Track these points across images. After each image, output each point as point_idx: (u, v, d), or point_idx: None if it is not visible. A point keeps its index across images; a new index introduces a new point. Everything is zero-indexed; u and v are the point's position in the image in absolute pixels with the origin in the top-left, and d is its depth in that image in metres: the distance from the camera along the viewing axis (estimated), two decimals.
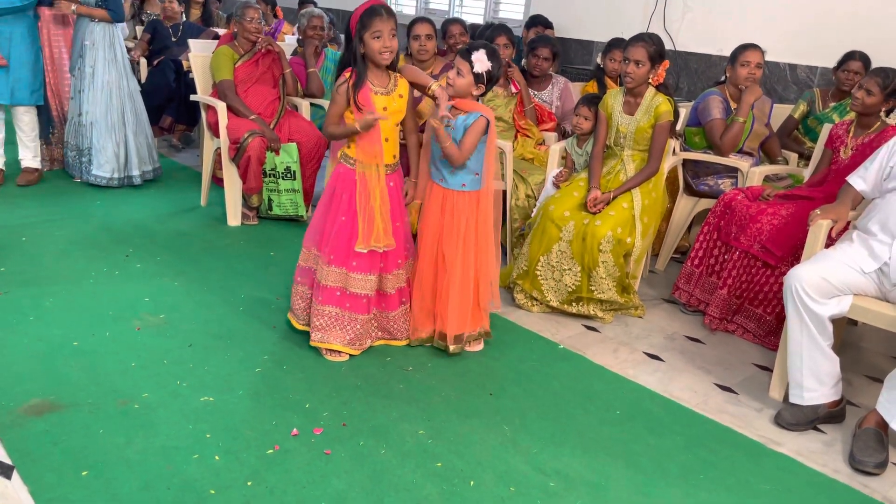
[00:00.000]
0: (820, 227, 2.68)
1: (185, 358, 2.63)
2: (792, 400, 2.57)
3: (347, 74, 2.58)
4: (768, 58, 4.44)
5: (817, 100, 3.88)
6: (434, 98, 2.69)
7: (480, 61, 2.55)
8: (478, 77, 2.59)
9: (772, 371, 2.90)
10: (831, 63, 4.38)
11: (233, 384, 2.48)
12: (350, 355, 2.70)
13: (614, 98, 3.35)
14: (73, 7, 4.40)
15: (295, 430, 2.25)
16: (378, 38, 2.51)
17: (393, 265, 2.73)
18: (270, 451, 2.15)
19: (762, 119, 3.81)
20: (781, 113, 4.11)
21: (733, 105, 3.72)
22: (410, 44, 3.94)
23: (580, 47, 5.72)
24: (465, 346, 2.80)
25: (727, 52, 4.81)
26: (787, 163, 3.93)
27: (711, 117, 3.66)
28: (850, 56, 3.81)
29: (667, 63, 3.21)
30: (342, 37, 4.92)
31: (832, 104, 3.81)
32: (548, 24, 5.47)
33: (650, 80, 3.22)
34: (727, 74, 3.70)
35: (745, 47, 3.64)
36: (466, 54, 2.58)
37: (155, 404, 2.33)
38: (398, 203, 2.73)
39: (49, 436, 2.13)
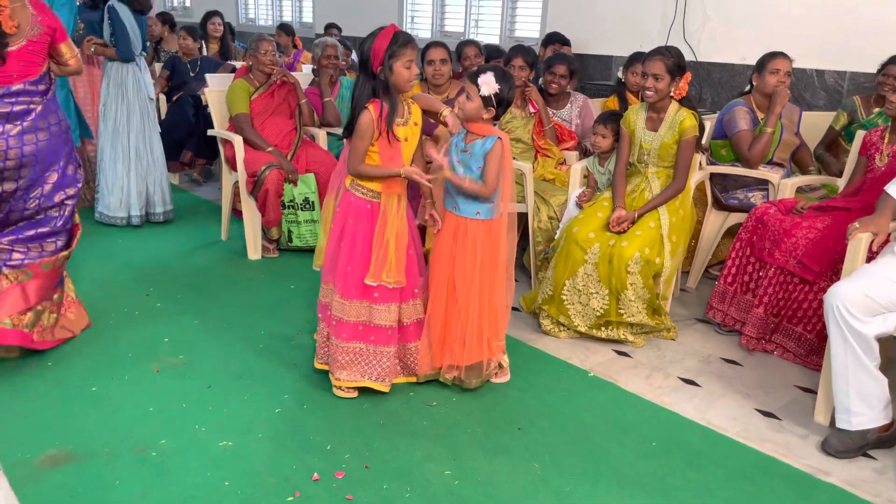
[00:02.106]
0: (859, 240, 2.54)
1: (204, 400, 2.57)
2: (839, 425, 2.43)
3: (373, 106, 2.47)
4: (795, 64, 4.32)
5: (859, 108, 3.73)
6: (446, 125, 2.62)
7: (487, 84, 2.47)
8: (486, 100, 2.51)
9: (815, 394, 2.76)
10: (861, 68, 4.25)
11: (252, 427, 2.41)
12: (357, 389, 2.62)
13: (636, 114, 3.25)
14: (93, 48, 4.45)
15: (316, 474, 2.17)
16: (408, 67, 2.46)
17: (409, 294, 2.65)
18: (291, 497, 2.06)
19: (791, 128, 3.69)
20: (811, 121, 3.97)
21: (760, 115, 3.60)
22: (425, 69, 3.89)
23: (599, 63, 5.63)
24: (488, 378, 2.70)
25: (750, 61, 4.71)
26: (819, 172, 3.79)
27: (738, 129, 3.54)
28: (891, 60, 3.65)
29: (688, 75, 3.11)
30: None
31: (876, 110, 3.66)
32: (565, 41, 5.41)
33: (672, 94, 3.12)
34: (753, 83, 3.58)
35: (773, 55, 3.52)
36: (474, 77, 2.51)
37: (172, 451, 2.26)
38: (412, 231, 2.65)
39: (65, 489, 2.07)
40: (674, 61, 3.07)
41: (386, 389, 2.61)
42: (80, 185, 2.89)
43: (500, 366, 2.76)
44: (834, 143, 3.85)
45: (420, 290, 2.69)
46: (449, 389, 2.69)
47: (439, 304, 2.66)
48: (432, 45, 3.92)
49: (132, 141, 4.50)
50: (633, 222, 3.11)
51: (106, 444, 2.28)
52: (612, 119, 3.41)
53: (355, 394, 2.61)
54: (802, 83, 4.49)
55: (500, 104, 2.53)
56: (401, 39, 2.44)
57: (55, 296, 2.87)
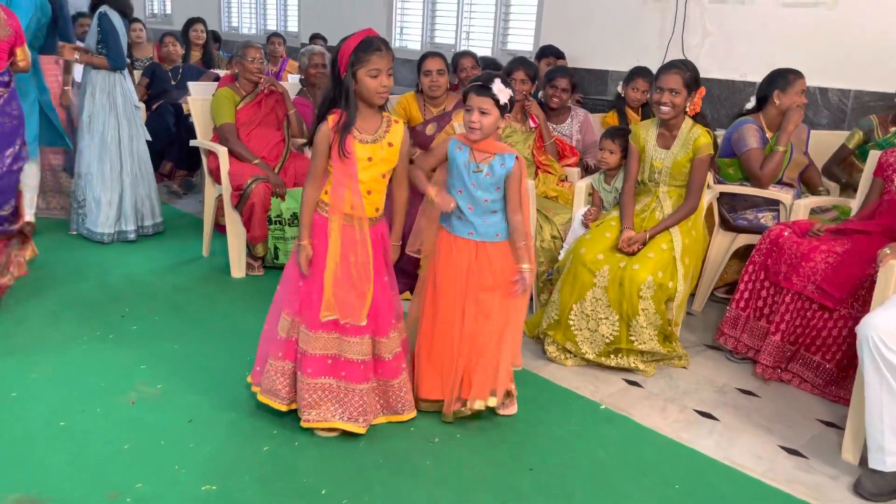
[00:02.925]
0: (891, 268, 2.40)
1: (184, 437, 2.34)
2: (872, 465, 2.26)
3: (334, 117, 2.25)
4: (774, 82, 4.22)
5: (876, 127, 3.61)
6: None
7: (502, 91, 2.31)
8: (502, 108, 2.35)
9: (839, 428, 2.61)
10: (866, 86, 4.15)
11: (238, 468, 2.19)
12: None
13: (646, 130, 3.09)
14: (77, 55, 4.21)
15: None
16: (375, 76, 2.20)
17: (387, 326, 2.40)
18: None
19: (800, 147, 3.55)
20: (815, 140, 3.82)
21: (769, 133, 3.47)
22: (421, 80, 3.72)
23: (594, 77, 5.50)
24: (498, 409, 2.52)
25: (751, 78, 4.63)
26: (829, 193, 3.66)
27: (748, 147, 3.40)
28: None
29: (703, 90, 2.96)
30: None
31: (893, 129, 3.54)
32: (559, 55, 5.27)
33: (686, 111, 2.97)
34: (776, 101, 3.41)
35: (797, 74, 3.39)
36: (484, 90, 2.31)
37: (150, 496, 2.04)
38: (383, 258, 2.41)
39: None
40: (690, 75, 2.92)
41: (362, 431, 2.36)
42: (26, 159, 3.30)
43: (509, 394, 2.57)
44: (846, 161, 3.72)
45: (398, 321, 2.46)
46: (452, 424, 2.49)
47: (447, 334, 2.46)
48: (429, 55, 3.75)
49: (123, 153, 4.27)
50: (645, 243, 2.94)
51: (75, 489, 2.05)
52: (619, 134, 3.26)
53: (336, 432, 2.38)
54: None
55: (511, 109, 2.39)
56: (367, 45, 2.19)
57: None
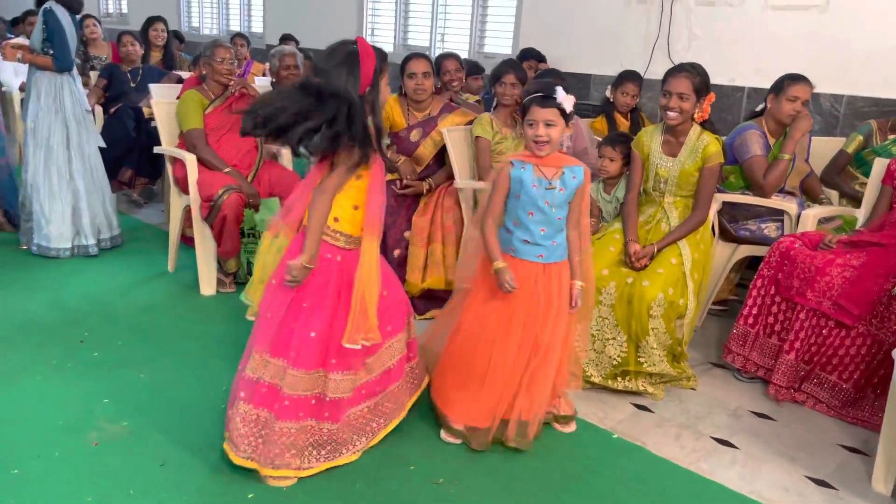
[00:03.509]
0: None
1: (156, 484, 2.07)
2: None
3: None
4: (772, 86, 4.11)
5: (875, 132, 3.49)
6: None
7: (567, 99, 2.18)
8: (568, 117, 2.21)
9: (863, 454, 2.47)
10: (858, 91, 4.05)
11: None
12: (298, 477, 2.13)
13: (650, 137, 2.92)
14: (20, 55, 3.86)
15: None
16: (388, 83, 2.12)
17: (384, 338, 2.23)
18: None
19: (802, 154, 3.43)
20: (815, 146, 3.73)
21: (772, 140, 3.32)
22: (405, 83, 3.50)
23: (576, 81, 5.32)
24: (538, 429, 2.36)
25: (740, 82, 4.51)
26: (830, 202, 3.53)
27: (751, 154, 3.24)
28: None
29: (712, 96, 2.80)
30: None
31: (892, 136, 3.43)
32: (541, 58, 5.10)
33: (695, 117, 2.80)
34: (767, 105, 3.30)
35: (793, 79, 3.23)
36: (548, 101, 2.18)
37: None
38: (384, 275, 2.24)
39: None
40: (700, 79, 2.75)
41: (355, 457, 2.20)
42: None
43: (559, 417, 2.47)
44: (841, 171, 3.60)
45: (395, 329, 2.29)
46: (455, 461, 2.26)
47: (519, 362, 2.29)
48: (413, 56, 3.53)
49: (74, 161, 3.92)
50: (653, 258, 2.76)
51: None
52: (620, 141, 3.08)
53: (293, 480, 2.11)
54: None
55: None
56: (381, 52, 2.09)
57: None
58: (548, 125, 2.18)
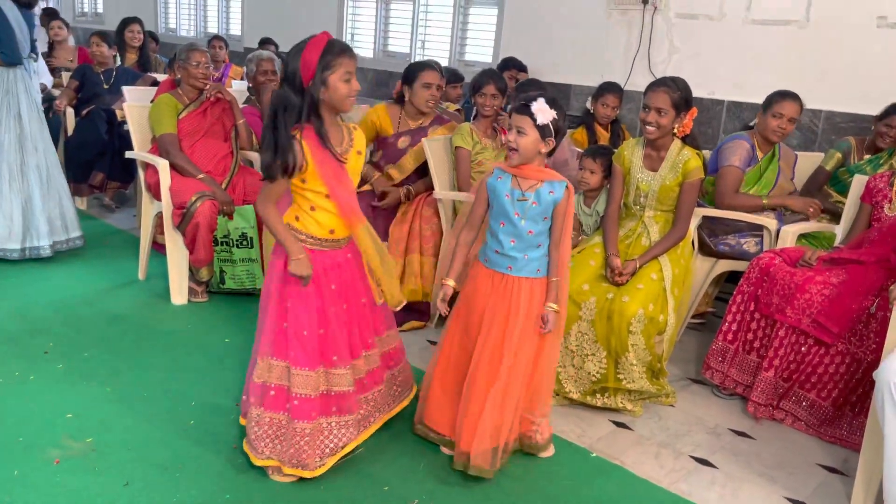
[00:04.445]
0: None
1: None
2: None
3: (303, 134, 2.04)
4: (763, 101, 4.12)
5: (853, 150, 3.50)
6: None
7: (543, 111, 2.11)
8: (543, 130, 2.13)
9: (841, 473, 2.46)
10: (837, 107, 4.07)
11: None
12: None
13: (631, 150, 2.89)
14: None
15: None
16: (348, 80, 2.06)
17: (361, 347, 2.25)
18: None
19: (788, 173, 3.43)
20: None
21: (759, 154, 3.32)
22: (418, 92, 3.39)
23: (556, 91, 5.29)
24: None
25: (720, 96, 4.52)
26: (808, 219, 3.53)
27: (728, 163, 3.24)
28: (894, 108, 3.36)
29: (695, 111, 2.78)
30: None
31: (867, 156, 3.44)
32: (522, 68, 5.08)
33: (675, 132, 2.78)
34: (757, 119, 3.30)
35: (781, 95, 3.24)
36: (522, 108, 2.13)
37: None
38: (361, 279, 2.26)
39: None
40: (680, 94, 2.73)
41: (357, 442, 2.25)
42: None
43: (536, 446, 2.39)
44: (821, 188, 3.61)
45: (374, 343, 2.29)
46: (430, 481, 2.20)
47: (483, 375, 2.21)
48: (427, 66, 3.43)
49: (27, 158, 3.77)
50: (634, 273, 2.73)
51: None
52: (601, 153, 3.06)
53: (294, 477, 2.14)
54: None
55: (557, 133, 2.17)
56: (337, 48, 2.04)
57: None
58: (519, 132, 2.14)
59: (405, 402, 2.47)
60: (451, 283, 2.28)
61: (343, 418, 2.18)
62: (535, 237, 2.21)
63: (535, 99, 2.12)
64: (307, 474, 2.10)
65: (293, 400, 2.09)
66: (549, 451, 2.42)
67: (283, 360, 2.12)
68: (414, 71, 3.42)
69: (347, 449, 2.20)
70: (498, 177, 2.22)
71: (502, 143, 3.51)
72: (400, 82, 3.55)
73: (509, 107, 2.27)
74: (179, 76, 3.62)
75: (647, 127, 2.76)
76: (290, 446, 2.09)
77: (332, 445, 2.16)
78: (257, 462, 2.12)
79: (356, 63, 2.11)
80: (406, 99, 3.47)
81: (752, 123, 3.40)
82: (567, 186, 2.20)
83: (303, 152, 2.03)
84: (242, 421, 2.27)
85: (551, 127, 2.13)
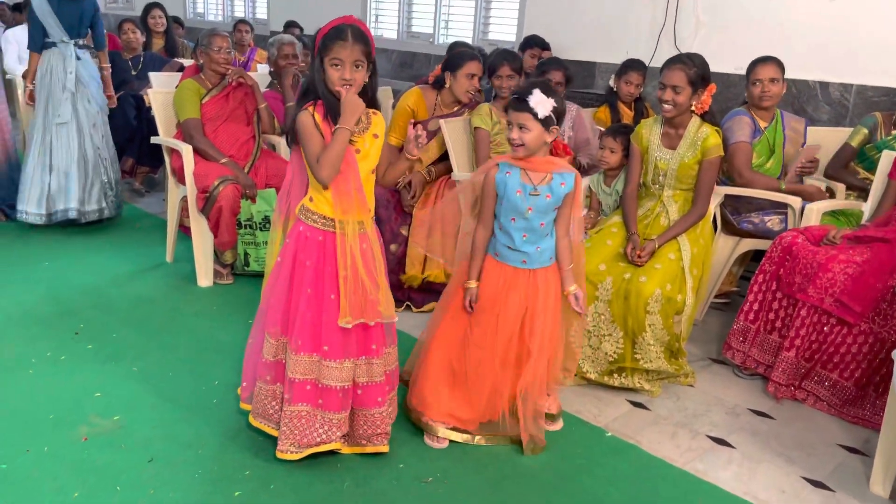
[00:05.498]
0: None
1: (143, 480, 2.06)
2: None
3: (314, 107, 2.06)
4: (796, 75, 4.01)
5: (880, 125, 3.41)
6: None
7: (541, 104, 2.09)
8: (546, 122, 2.11)
9: (862, 454, 2.42)
10: (868, 81, 3.96)
11: None
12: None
13: (650, 129, 2.86)
14: None
15: None
16: (335, 66, 2.01)
17: (364, 350, 2.15)
18: None
19: (797, 140, 3.38)
20: (814, 137, 3.63)
21: (762, 124, 3.28)
22: (460, 81, 3.36)
23: (581, 69, 5.25)
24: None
25: None
26: (833, 195, 3.46)
27: (736, 139, 3.20)
28: None
29: (713, 87, 2.73)
30: None
31: (894, 132, 3.35)
32: (545, 46, 5.01)
33: (693, 109, 2.74)
34: (746, 94, 3.29)
35: (755, 62, 3.28)
36: (520, 104, 2.11)
37: None
38: (375, 270, 2.16)
39: None
40: (696, 71, 2.69)
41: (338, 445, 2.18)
42: None
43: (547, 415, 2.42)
44: (847, 165, 3.52)
45: (381, 348, 2.18)
46: (444, 460, 2.24)
47: (491, 361, 2.26)
48: (474, 57, 3.40)
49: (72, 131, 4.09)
50: (653, 253, 2.71)
51: None
52: (621, 132, 3.03)
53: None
54: (805, 95, 4.19)
55: (559, 117, 2.15)
56: (334, 33, 2.00)
57: None
58: (521, 128, 2.12)
59: (369, 449, 2.25)
60: (474, 285, 2.27)
61: (328, 414, 2.13)
62: (545, 228, 2.21)
63: (530, 93, 2.09)
64: (273, 431, 2.18)
65: (288, 381, 2.12)
66: (559, 425, 2.45)
67: (285, 338, 2.16)
68: (459, 60, 3.36)
69: (328, 447, 2.15)
70: (506, 171, 2.18)
71: None
72: (440, 67, 3.53)
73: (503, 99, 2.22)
74: (202, 61, 3.67)
75: (664, 105, 2.73)
76: (284, 425, 2.11)
77: (309, 439, 2.12)
78: (275, 433, 2.18)
79: (357, 53, 2.00)
80: (447, 86, 3.44)
81: (746, 98, 3.36)
82: (576, 176, 2.19)
83: (315, 124, 2.03)
84: (243, 404, 2.35)
85: (553, 116, 2.11)
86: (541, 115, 2.09)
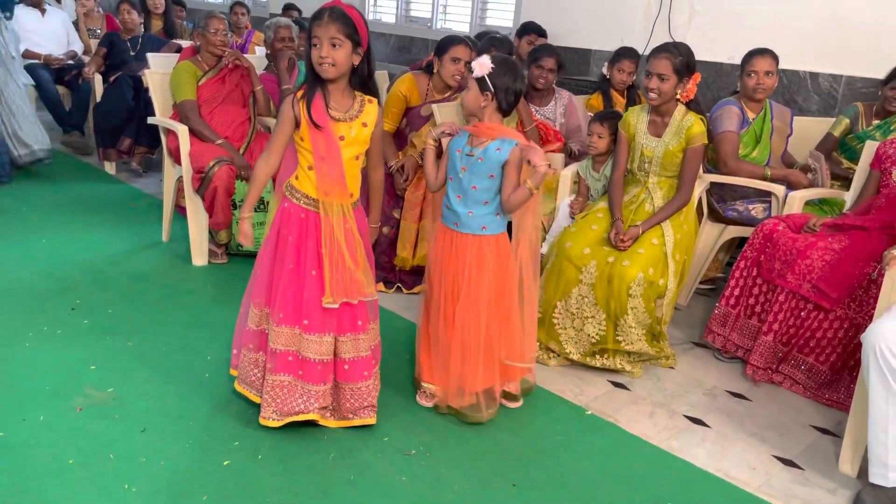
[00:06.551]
0: None
1: (136, 449, 2.13)
2: (873, 480, 2.13)
3: (301, 91, 2.15)
4: (787, 65, 4.05)
5: (861, 116, 3.46)
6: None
7: (480, 65, 2.17)
8: (481, 84, 2.19)
9: (834, 435, 2.50)
10: (858, 72, 4.01)
11: (195, 485, 2.00)
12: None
13: (636, 117, 2.92)
14: None
15: None
16: (315, 45, 2.06)
17: (350, 326, 2.23)
18: None
19: (784, 131, 3.44)
20: (803, 127, 3.69)
21: (751, 115, 3.33)
22: (446, 66, 3.40)
23: (576, 56, 5.29)
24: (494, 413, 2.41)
25: (740, 59, 4.46)
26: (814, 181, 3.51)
27: (724, 129, 3.26)
28: None
29: (698, 76, 2.79)
30: None
31: (875, 122, 3.40)
32: (541, 32, 5.04)
33: (678, 97, 2.79)
34: (739, 84, 3.34)
35: (751, 54, 3.31)
36: (468, 65, 2.20)
37: None
38: (363, 244, 2.26)
39: None
40: (682, 60, 2.74)
41: (317, 418, 2.25)
42: None
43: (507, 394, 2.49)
44: (830, 155, 3.58)
45: (366, 323, 2.25)
46: (427, 434, 2.31)
47: (437, 326, 2.36)
48: (458, 41, 3.43)
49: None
50: (636, 239, 2.77)
51: None
52: (610, 118, 3.08)
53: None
54: (795, 86, 4.24)
55: (516, 97, 2.23)
56: (316, 13, 2.07)
57: None
58: (467, 89, 2.25)
59: (356, 422, 2.32)
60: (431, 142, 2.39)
61: (308, 386, 2.20)
62: (478, 193, 2.26)
63: (481, 55, 2.20)
64: (255, 398, 2.28)
65: (269, 350, 2.22)
66: (518, 403, 2.51)
67: (267, 309, 2.27)
68: (445, 44, 3.42)
69: (305, 417, 2.22)
70: (460, 134, 2.31)
71: None
72: (434, 53, 3.58)
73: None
74: (199, 43, 3.71)
75: (650, 93, 2.78)
76: (266, 394, 2.21)
77: (289, 408, 2.21)
78: (239, 388, 2.34)
79: (331, 30, 2.03)
80: (435, 70, 3.50)
81: (737, 88, 3.41)
82: (517, 145, 2.21)
83: (298, 109, 2.10)
84: (233, 372, 2.47)
85: (487, 81, 2.17)
86: (475, 74, 2.17)
